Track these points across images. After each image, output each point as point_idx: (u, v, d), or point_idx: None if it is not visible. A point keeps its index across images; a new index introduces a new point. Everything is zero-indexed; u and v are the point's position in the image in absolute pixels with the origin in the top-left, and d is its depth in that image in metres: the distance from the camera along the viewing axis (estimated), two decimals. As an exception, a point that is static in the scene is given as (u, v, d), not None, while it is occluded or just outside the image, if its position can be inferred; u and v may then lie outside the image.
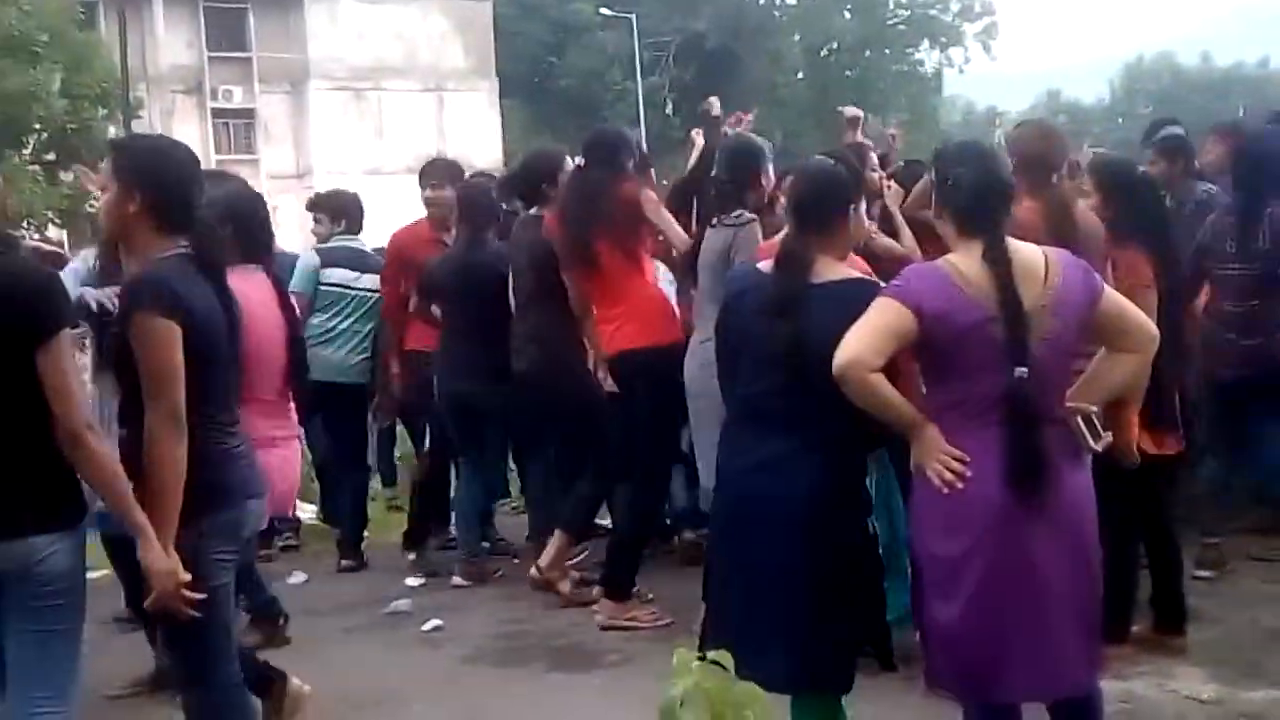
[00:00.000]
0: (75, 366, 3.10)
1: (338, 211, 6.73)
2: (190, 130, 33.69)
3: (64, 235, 21.56)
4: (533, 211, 5.79)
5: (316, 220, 6.78)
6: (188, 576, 3.13)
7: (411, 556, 6.38)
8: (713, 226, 5.00)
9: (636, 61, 40.87)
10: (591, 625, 5.34)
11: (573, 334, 5.62)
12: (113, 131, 27.52)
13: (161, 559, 3.09)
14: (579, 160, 5.58)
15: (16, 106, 25.58)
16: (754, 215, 4.95)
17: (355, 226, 6.67)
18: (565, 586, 5.64)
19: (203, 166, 3.55)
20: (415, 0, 40.01)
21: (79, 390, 3.08)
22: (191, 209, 3.31)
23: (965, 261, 3.14)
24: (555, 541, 5.67)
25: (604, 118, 34.66)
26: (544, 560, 5.65)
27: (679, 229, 5.43)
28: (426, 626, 5.47)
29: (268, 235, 4.70)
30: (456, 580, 6.08)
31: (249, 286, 4.08)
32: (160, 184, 3.27)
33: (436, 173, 6.59)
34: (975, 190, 3.20)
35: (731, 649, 3.50)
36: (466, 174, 6.80)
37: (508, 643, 5.29)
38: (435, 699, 4.57)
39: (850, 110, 6.41)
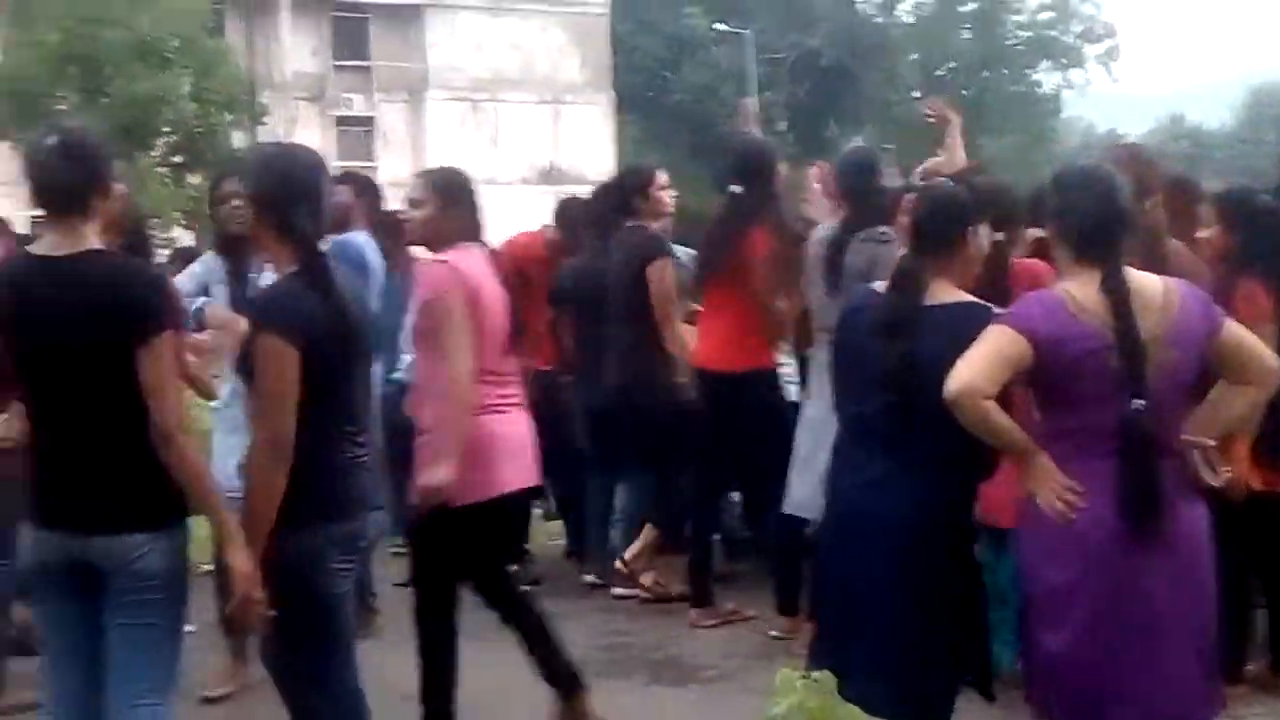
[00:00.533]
0: (175, 368, 3.15)
1: None
2: (312, 136, 34.37)
3: (191, 236, 22.10)
4: (629, 224, 5.83)
5: None
6: (260, 595, 3.15)
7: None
8: (850, 243, 4.95)
9: (751, 77, 40.82)
10: (691, 639, 5.37)
11: (663, 347, 5.68)
12: (239, 136, 28.27)
13: (247, 563, 3.12)
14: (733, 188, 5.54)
15: (147, 110, 26.36)
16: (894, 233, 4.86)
17: None
18: (647, 579, 5.77)
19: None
20: (534, 13, 40.44)
21: (175, 392, 3.14)
22: (317, 216, 3.33)
23: (1082, 289, 3.11)
24: (645, 535, 5.82)
25: (717, 134, 34.70)
26: (630, 551, 5.77)
27: (765, 280, 5.38)
28: (527, 636, 5.52)
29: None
30: (587, 578, 6.24)
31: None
32: (282, 194, 3.30)
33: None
34: (1094, 217, 3.17)
35: (835, 669, 3.53)
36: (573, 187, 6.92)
37: (609, 654, 5.32)
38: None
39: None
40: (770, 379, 5.55)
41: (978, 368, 3.07)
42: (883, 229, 4.81)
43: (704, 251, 5.64)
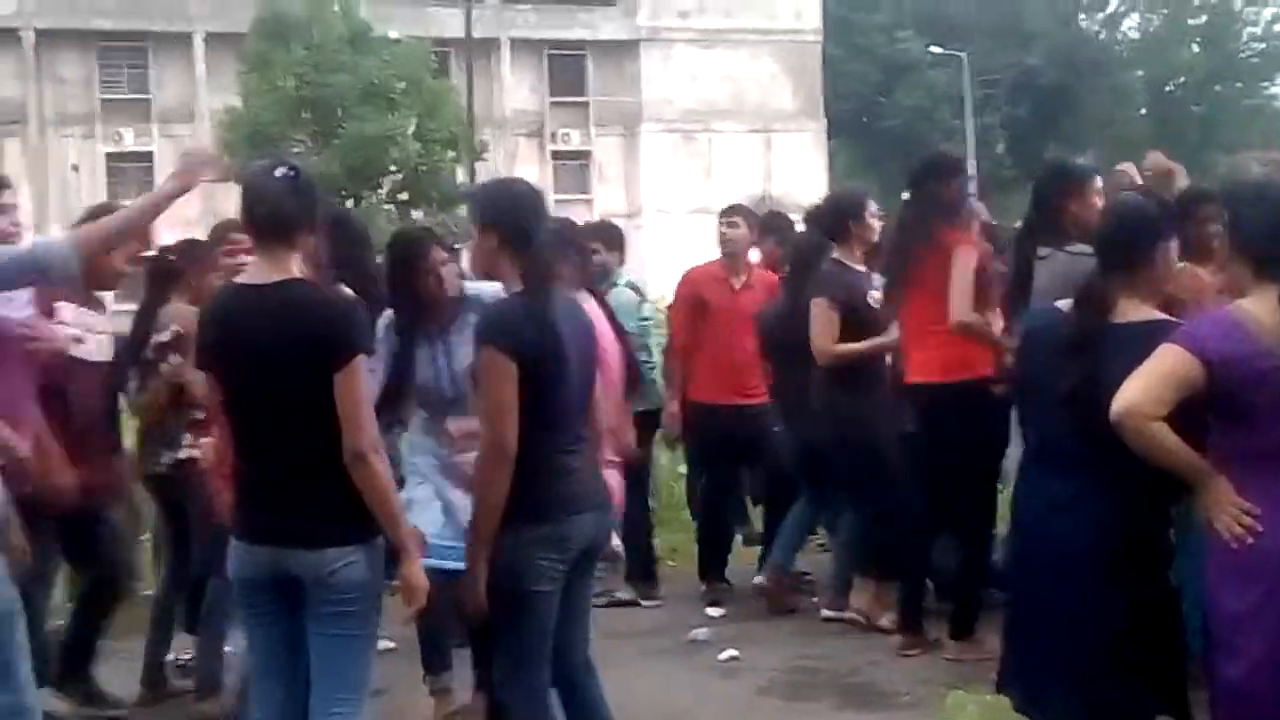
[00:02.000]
0: (368, 390, 3.32)
1: (614, 242, 6.67)
2: (531, 171, 35.27)
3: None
4: (832, 256, 5.83)
5: (594, 251, 6.21)
6: (419, 603, 3.33)
7: (703, 587, 6.49)
8: (1041, 259, 4.87)
9: (967, 99, 40.13)
10: (885, 664, 5.32)
11: (867, 375, 5.66)
12: (460, 173, 29.25)
13: (419, 577, 3.32)
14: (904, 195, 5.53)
15: (375, 150, 27.55)
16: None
17: (621, 260, 6.77)
18: (885, 621, 5.73)
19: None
20: (746, 43, 40.64)
21: (369, 413, 3.28)
22: (536, 239, 3.51)
23: (1261, 307, 3.00)
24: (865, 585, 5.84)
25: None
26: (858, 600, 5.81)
27: (963, 300, 5.19)
28: (723, 656, 5.56)
29: (590, 264, 4.91)
30: (758, 580, 6.24)
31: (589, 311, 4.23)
32: (509, 220, 3.51)
33: (734, 212, 6.70)
34: (1270, 232, 3.05)
35: (1019, 694, 3.47)
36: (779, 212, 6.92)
37: (801, 677, 5.32)
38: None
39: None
40: (979, 393, 5.22)
41: (1144, 388, 3.00)
42: (1077, 245, 4.69)
43: (888, 264, 5.58)
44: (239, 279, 3.45)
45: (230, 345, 3.28)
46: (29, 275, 3.61)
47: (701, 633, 5.87)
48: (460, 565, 3.57)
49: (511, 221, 3.50)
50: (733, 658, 5.56)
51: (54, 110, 35.17)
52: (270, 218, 3.28)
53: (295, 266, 3.31)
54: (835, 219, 5.91)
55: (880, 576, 5.85)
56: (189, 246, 5.39)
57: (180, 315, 4.95)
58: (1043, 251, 4.79)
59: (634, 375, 4.69)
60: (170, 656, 5.33)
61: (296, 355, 3.19)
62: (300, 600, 3.29)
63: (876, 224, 5.90)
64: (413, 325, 4.49)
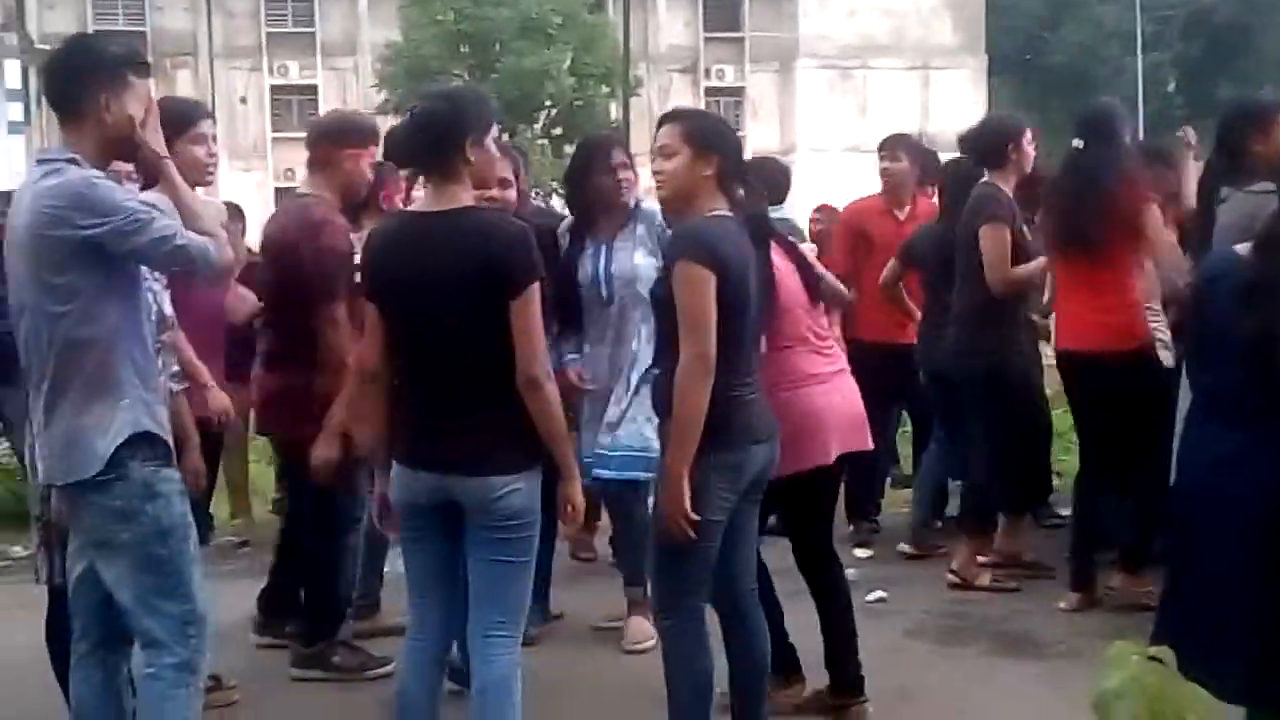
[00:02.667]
0: (540, 317, 3.35)
1: (767, 182, 6.74)
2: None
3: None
4: (983, 180, 5.66)
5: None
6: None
7: (851, 528, 6.46)
8: (1222, 201, 4.67)
9: (1137, 36, 38.67)
10: (1038, 613, 5.25)
11: (1009, 315, 5.48)
12: (613, 109, 29.29)
13: (578, 496, 3.40)
14: (1076, 141, 5.32)
15: (531, 85, 27.75)
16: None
17: (781, 197, 6.68)
18: (984, 579, 5.60)
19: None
20: (907, -24, 39.77)
21: (541, 340, 3.35)
22: (743, 173, 3.64)
23: None
24: (1008, 525, 5.68)
25: (1098, 96, 33.12)
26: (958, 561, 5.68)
27: (1171, 248, 5.06)
28: (870, 598, 5.53)
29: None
30: (903, 548, 6.16)
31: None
32: (728, 150, 3.59)
33: (895, 145, 6.56)
34: None
35: (1179, 648, 3.38)
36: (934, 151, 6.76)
37: (950, 621, 5.29)
38: (871, 669, 4.62)
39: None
40: (1144, 361, 5.11)
41: None
42: (1265, 184, 4.48)
43: (1052, 220, 5.34)
44: (409, 208, 3.50)
45: (400, 271, 3.33)
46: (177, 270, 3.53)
47: (849, 573, 5.83)
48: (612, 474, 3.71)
49: (732, 151, 3.61)
50: (880, 599, 5.54)
51: (222, 43, 36.11)
52: (411, 151, 3.36)
53: (465, 196, 3.35)
54: (993, 143, 5.65)
55: (975, 532, 5.73)
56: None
57: None
58: (1224, 192, 4.61)
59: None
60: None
61: (470, 282, 3.23)
62: (461, 525, 3.36)
63: (1033, 152, 5.69)
64: (582, 225, 4.63)
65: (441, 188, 3.33)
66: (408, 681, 3.49)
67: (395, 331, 3.40)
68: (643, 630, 4.73)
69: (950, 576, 5.66)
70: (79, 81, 3.23)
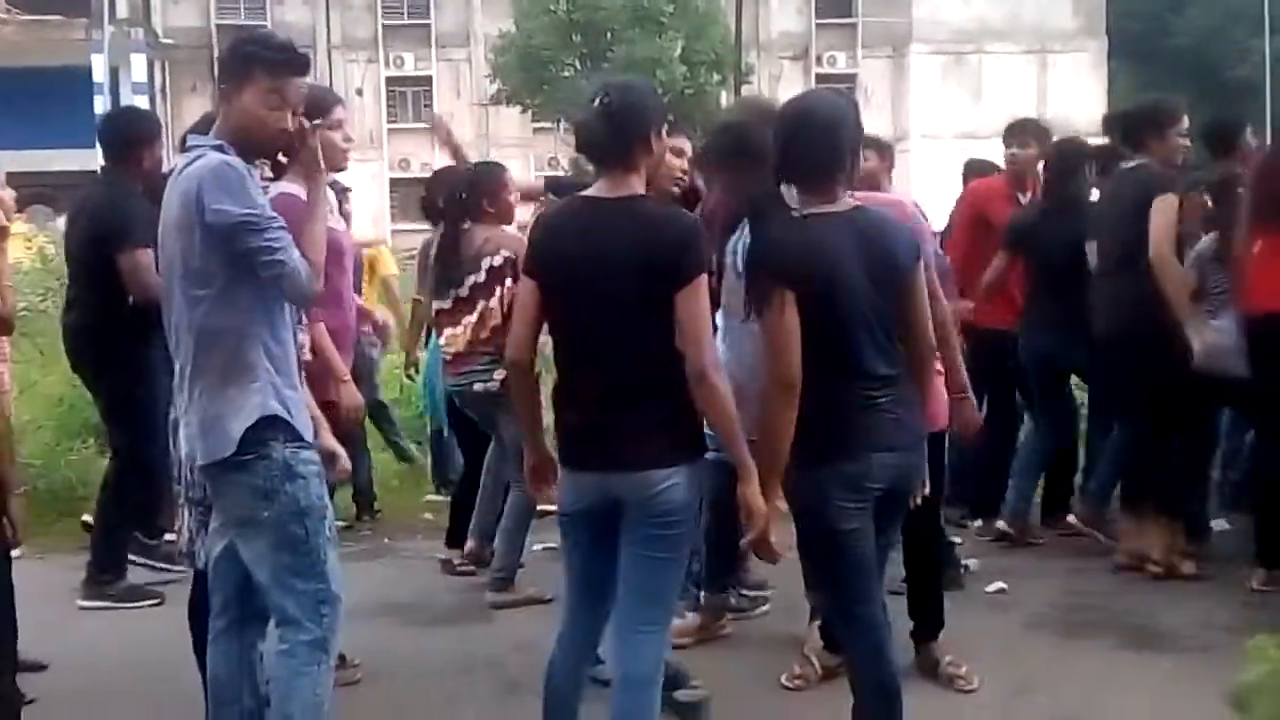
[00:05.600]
0: (708, 310, 3.30)
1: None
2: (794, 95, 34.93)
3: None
4: (1130, 164, 5.54)
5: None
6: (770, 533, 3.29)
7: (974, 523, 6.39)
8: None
9: (1265, 17, 37.47)
10: (1166, 605, 5.15)
11: (1158, 296, 5.33)
12: (724, 96, 29.20)
13: (757, 499, 3.25)
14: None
15: (642, 72, 27.68)
16: None
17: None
18: (1189, 568, 5.50)
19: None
20: (1025, -41, 39.02)
21: (709, 331, 3.28)
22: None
23: None
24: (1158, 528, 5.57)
25: (1222, 81, 32.19)
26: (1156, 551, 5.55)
27: None
28: (991, 588, 5.48)
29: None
30: (1000, 526, 6.10)
31: None
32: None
33: (1024, 130, 6.47)
34: None
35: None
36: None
37: (1074, 614, 5.20)
38: (992, 661, 4.59)
39: None
40: None
41: None
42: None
43: (1256, 188, 5.21)
44: (583, 193, 3.47)
45: (568, 257, 3.32)
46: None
47: (971, 563, 5.79)
48: None
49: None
50: (1000, 590, 5.48)
51: (340, 36, 36.71)
52: (591, 143, 3.34)
53: (639, 186, 3.33)
54: (1141, 126, 5.54)
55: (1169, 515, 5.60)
56: (479, 173, 5.63)
57: (506, 240, 5.24)
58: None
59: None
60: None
61: (637, 270, 3.21)
62: (619, 519, 3.33)
63: (1182, 143, 5.56)
64: (730, 213, 4.63)
65: (619, 177, 3.30)
66: (555, 672, 3.50)
67: (557, 317, 3.39)
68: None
69: (1153, 567, 5.53)
70: (225, 72, 3.35)
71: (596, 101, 3.32)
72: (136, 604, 5.42)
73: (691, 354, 3.20)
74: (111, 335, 5.30)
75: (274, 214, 3.26)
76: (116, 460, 5.60)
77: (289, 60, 3.35)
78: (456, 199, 5.48)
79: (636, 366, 3.26)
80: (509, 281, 5.20)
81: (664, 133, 3.40)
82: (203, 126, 3.53)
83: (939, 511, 4.61)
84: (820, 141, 3.38)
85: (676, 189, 4.52)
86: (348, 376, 4.41)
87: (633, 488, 3.27)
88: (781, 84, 36.32)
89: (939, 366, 4.05)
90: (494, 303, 5.29)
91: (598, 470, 3.32)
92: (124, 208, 5.17)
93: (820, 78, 38.55)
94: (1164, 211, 5.28)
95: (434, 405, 6.94)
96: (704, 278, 3.25)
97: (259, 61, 3.30)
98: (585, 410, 3.34)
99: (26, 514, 3.09)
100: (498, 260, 5.29)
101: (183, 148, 3.43)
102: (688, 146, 4.52)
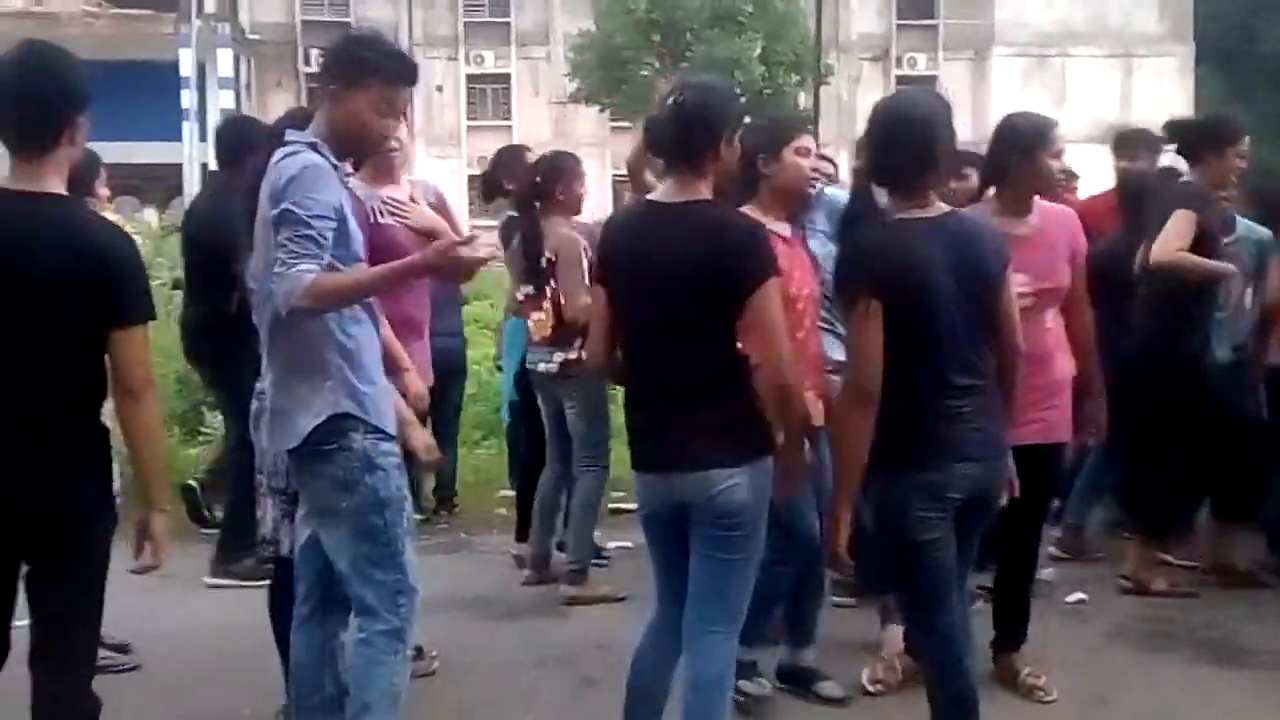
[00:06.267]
0: (781, 317, 3.29)
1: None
2: (875, 97, 34.63)
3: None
4: (1183, 179, 5.40)
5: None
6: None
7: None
8: None
9: (1358, 24, 36.64)
10: (1249, 619, 5.07)
11: (1191, 315, 5.22)
12: (803, 98, 29.09)
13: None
14: None
15: (721, 73, 27.62)
16: None
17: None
18: (1160, 584, 5.43)
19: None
20: (1109, -38, 38.45)
21: (784, 336, 3.28)
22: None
23: None
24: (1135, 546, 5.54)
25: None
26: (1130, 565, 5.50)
27: None
28: (1070, 599, 5.42)
29: None
30: (1051, 550, 5.93)
31: None
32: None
33: (1137, 144, 6.22)
34: None
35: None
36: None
37: (1154, 626, 5.13)
38: (1071, 672, 4.55)
39: None
40: None
41: None
42: None
43: None
44: (650, 196, 3.49)
45: (629, 261, 3.35)
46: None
47: (1047, 573, 5.72)
48: None
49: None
50: (1080, 601, 5.42)
51: (422, 33, 37.02)
52: (662, 144, 3.36)
53: (706, 190, 3.32)
54: (1202, 139, 5.35)
55: (1147, 533, 5.54)
56: (553, 162, 5.66)
57: (558, 239, 5.28)
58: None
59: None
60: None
61: (698, 275, 3.22)
62: (687, 521, 3.35)
63: (1239, 164, 5.33)
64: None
65: (686, 180, 3.31)
66: (641, 666, 3.53)
67: (621, 320, 3.42)
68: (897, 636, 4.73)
69: (1122, 582, 5.50)
70: (335, 72, 3.35)
71: (671, 100, 3.33)
72: (260, 582, 5.53)
73: (770, 362, 3.21)
74: (226, 332, 5.44)
75: (332, 219, 3.21)
76: (238, 452, 5.73)
77: (405, 72, 3.37)
78: (533, 184, 5.53)
79: (697, 369, 3.27)
80: (554, 281, 5.32)
81: (735, 138, 3.37)
82: (298, 121, 3.56)
83: (1040, 524, 4.55)
84: (912, 143, 3.32)
85: (811, 189, 4.49)
86: (409, 365, 4.40)
87: (695, 489, 3.28)
88: (860, 86, 36.12)
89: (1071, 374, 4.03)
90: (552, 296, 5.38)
91: (661, 471, 3.36)
92: (234, 215, 5.30)
93: (900, 79, 38.27)
94: (1178, 223, 5.06)
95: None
96: (773, 282, 3.23)
97: (377, 70, 3.31)
98: (648, 412, 3.38)
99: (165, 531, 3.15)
100: (551, 256, 5.36)
101: (275, 141, 3.47)
102: (813, 145, 4.55)
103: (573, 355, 5.26)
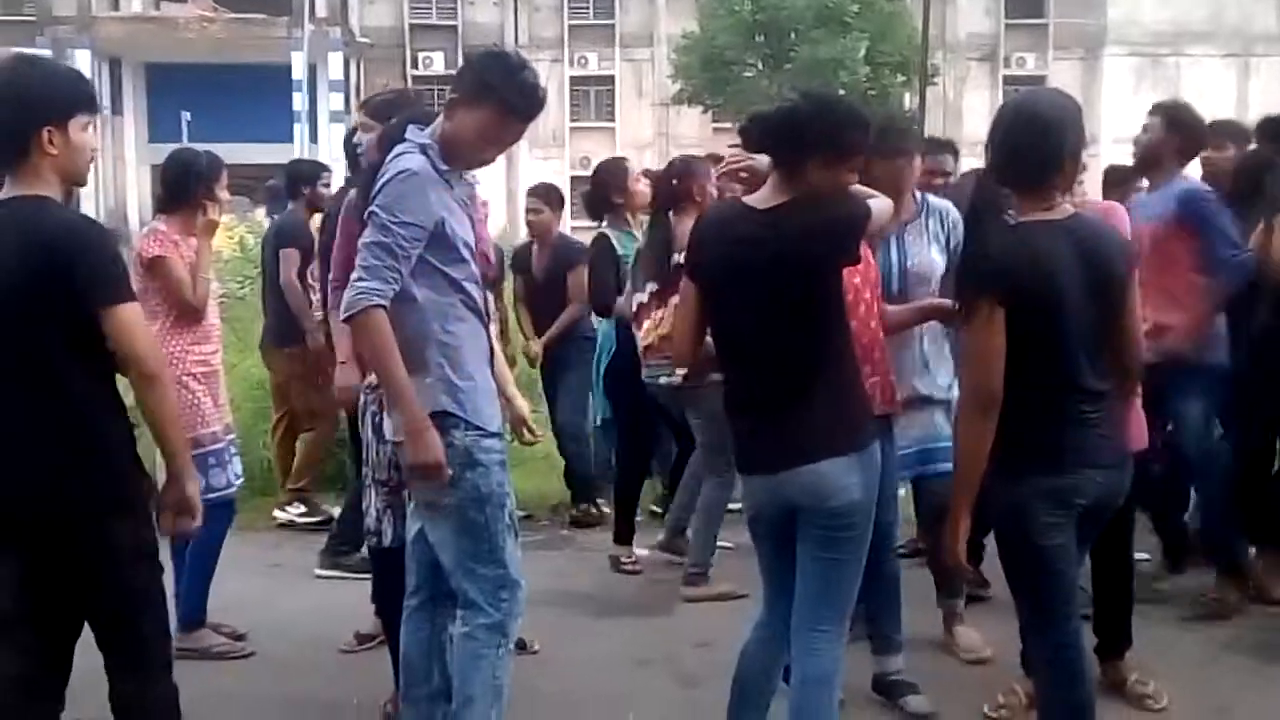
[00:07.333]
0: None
1: None
2: (982, 97, 34.25)
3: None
4: None
5: None
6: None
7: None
8: None
9: None
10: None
11: None
12: (907, 98, 28.79)
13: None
14: None
15: (825, 73, 27.52)
16: None
17: None
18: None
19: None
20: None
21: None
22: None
23: None
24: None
25: None
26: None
27: None
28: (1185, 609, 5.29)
29: None
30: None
31: None
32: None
33: (1223, 133, 6.11)
34: None
35: None
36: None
37: (1270, 635, 4.99)
38: (1186, 682, 4.43)
39: None
40: None
41: None
42: None
43: None
44: (743, 198, 3.48)
45: (721, 261, 3.36)
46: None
47: (1165, 586, 5.58)
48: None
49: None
50: (1202, 604, 5.26)
51: (527, 35, 37.32)
52: (774, 147, 3.33)
53: (794, 190, 3.30)
54: None
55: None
56: (688, 164, 5.67)
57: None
58: None
59: None
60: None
61: (788, 270, 3.23)
62: (795, 520, 3.34)
63: None
64: None
65: (785, 184, 3.30)
66: (747, 662, 3.52)
67: (715, 320, 3.43)
68: (972, 638, 4.73)
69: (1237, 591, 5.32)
70: (463, 85, 3.39)
71: (780, 102, 3.33)
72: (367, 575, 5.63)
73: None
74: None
75: (419, 228, 3.26)
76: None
77: (522, 108, 3.37)
78: (669, 186, 5.54)
79: (792, 368, 3.26)
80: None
81: (847, 158, 3.32)
82: (420, 120, 3.57)
83: (1132, 529, 4.45)
84: (1041, 144, 3.23)
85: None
86: (514, 393, 4.33)
87: (798, 488, 3.28)
88: (968, 86, 35.69)
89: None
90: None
91: (764, 472, 3.35)
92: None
93: (1008, 79, 37.73)
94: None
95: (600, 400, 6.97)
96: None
97: (496, 95, 3.33)
98: (748, 413, 3.37)
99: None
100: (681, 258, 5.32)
101: (391, 136, 3.51)
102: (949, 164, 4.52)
103: None
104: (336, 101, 29.24)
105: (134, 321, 3.03)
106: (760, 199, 3.36)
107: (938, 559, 4.36)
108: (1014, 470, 3.18)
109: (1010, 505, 3.22)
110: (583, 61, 37.14)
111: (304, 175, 7.24)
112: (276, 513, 6.88)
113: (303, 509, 6.88)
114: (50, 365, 2.98)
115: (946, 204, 4.60)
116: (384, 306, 3.24)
